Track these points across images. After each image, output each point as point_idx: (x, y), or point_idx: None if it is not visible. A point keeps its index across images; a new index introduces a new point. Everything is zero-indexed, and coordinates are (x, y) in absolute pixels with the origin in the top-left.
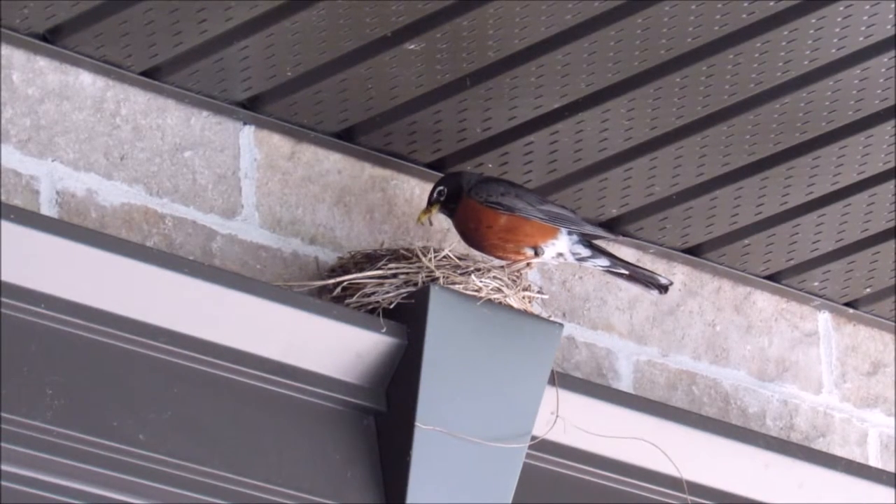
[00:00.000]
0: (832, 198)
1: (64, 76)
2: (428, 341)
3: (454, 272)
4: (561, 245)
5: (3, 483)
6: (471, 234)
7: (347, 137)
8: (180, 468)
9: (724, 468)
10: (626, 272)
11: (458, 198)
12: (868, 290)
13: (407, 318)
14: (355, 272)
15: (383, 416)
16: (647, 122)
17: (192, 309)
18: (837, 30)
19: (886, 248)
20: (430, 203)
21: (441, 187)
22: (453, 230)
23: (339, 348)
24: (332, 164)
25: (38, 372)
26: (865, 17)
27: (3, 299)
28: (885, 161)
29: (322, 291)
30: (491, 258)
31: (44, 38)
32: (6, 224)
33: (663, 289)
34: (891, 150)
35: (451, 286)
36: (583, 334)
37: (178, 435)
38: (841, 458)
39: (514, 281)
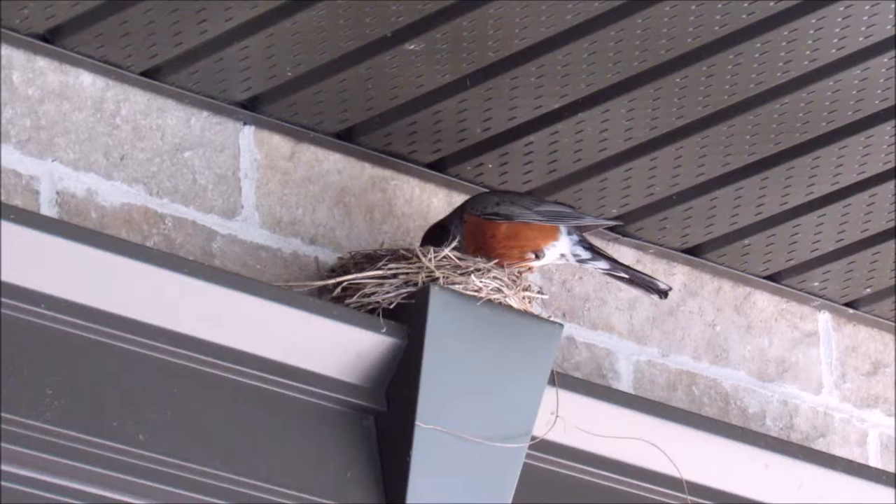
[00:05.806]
0: (832, 198)
1: (64, 76)
2: (428, 341)
3: (454, 272)
4: (562, 246)
5: (3, 483)
6: (481, 248)
7: (347, 137)
8: (180, 468)
9: (724, 468)
10: (626, 276)
11: (457, 220)
12: (868, 290)
13: (407, 318)
14: (355, 272)
15: (383, 416)
16: (647, 122)
17: (192, 309)
18: (837, 30)
19: (886, 248)
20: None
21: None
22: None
23: (339, 348)
24: (332, 164)
25: (38, 372)
26: (865, 17)
27: (3, 299)
28: (885, 161)
29: (322, 291)
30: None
31: (44, 38)
32: (6, 224)
33: (663, 294)
34: (891, 150)
35: (451, 286)
36: (583, 334)
37: (178, 435)
38: (841, 458)
39: (514, 281)
